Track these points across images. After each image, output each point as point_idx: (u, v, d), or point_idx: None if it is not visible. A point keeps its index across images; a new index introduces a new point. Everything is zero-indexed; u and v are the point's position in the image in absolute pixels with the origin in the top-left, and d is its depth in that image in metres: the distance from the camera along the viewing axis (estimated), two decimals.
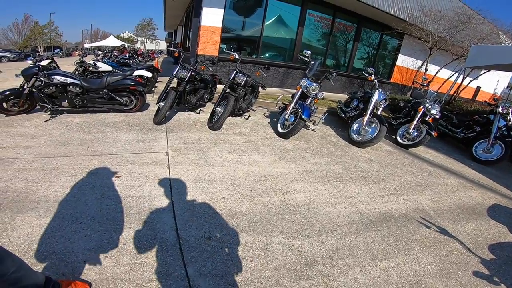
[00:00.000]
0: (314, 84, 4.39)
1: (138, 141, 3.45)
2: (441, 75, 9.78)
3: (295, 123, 4.15)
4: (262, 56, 9.09)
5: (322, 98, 4.87)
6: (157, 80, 7.34)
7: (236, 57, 4.61)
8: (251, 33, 8.89)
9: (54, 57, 6.42)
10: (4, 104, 3.91)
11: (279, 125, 4.50)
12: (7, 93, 3.91)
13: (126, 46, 19.08)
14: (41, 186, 2.26)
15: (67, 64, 9.96)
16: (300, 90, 4.42)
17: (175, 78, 4.41)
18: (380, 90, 4.69)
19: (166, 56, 28.88)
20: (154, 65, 7.97)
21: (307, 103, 4.47)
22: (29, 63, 5.29)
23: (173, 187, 2.49)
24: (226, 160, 3.20)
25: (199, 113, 4.89)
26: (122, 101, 4.43)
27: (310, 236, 2.11)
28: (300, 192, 2.73)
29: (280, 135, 4.36)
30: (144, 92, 4.70)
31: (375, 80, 4.74)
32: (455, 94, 9.17)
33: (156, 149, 3.26)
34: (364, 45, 11.11)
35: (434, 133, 4.66)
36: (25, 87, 4.01)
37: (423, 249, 2.20)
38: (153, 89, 6.05)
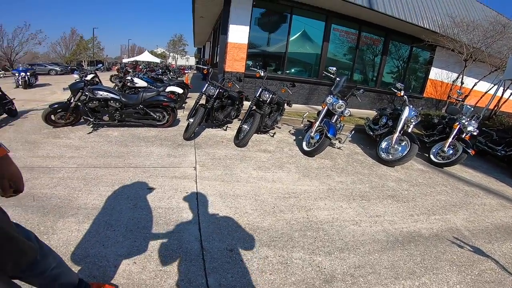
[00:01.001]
0: (340, 101, 4.36)
1: (169, 155, 3.66)
2: (479, 88, 9.24)
3: (321, 141, 4.13)
4: (287, 72, 9.23)
5: (349, 116, 4.80)
6: (187, 96, 7.72)
7: (262, 74, 4.74)
8: (276, 49, 9.11)
9: (96, 72, 7.03)
10: (52, 117, 4.35)
11: (304, 143, 4.51)
12: (56, 106, 4.35)
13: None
14: (82, 194, 2.48)
15: (107, 79, 10.82)
16: (326, 107, 4.42)
17: (204, 95, 4.63)
18: (411, 106, 4.53)
19: (195, 71, 30.17)
20: (184, 81, 8.42)
21: (333, 121, 4.44)
22: (76, 77, 5.85)
23: (199, 200, 2.60)
24: (251, 177, 3.27)
25: (226, 130, 5.06)
26: (155, 116, 4.73)
27: (332, 253, 2.09)
28: (324, 210, 2.72)
29: (305, 153, 4.36)
30: (175, 108, 4.99)
31: (405, 96, 4.62)
32: (495, 108, 8.59)
33: (185, 164, 3.43)
34: (393, 59, 10.87)
35: (471, 151, 4.39)
36: (71, 100, 4.43)
37: (453, 268, 2.08)
38: (183, 105, 6.38)
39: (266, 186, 3.06)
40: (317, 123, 4.35)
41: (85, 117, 4.38)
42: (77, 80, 5.17)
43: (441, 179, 4.17)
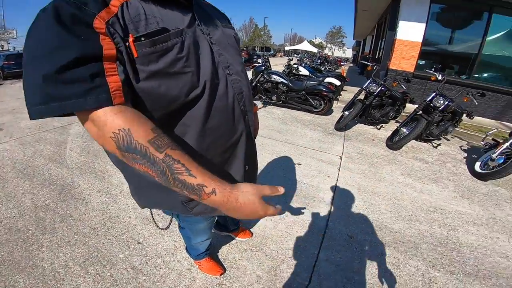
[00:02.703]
0: None
1: (319, 140, 4.06)
2: None
3: (505, 165, 3.30)
4: (476, 76, 7.42)
5: None
6: (343, 89, 7.82)
7: (439, 78, 4.15)
8: (462, 48, 7.42)
9: (268, 57, 8.31)
10: None
11: (478, 163, 3.71)
12: None
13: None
14: None
15: (273, 64, 12.35)
16: None
17: (363, 91, 4.66)
18: None
19: (351, 64, 29.25)
20: (341, 74, 8.50)
21: None
22: (259, 61, 7.21)
23: (338, 186, 2.85)
24: (395, 181, 3.15)
25: (379, 129, 4.91)
26: (313, 103, 5.24)
27: (454, 273, 1.87)
28: (472, 235, 2.31)
29: (476, 174, 3.59)
30: (332, 98, 5.30)
31: None
32: None
33: (332, 151, 3.73)
34: None
35: None
36: (253, 81, 5.58)
37: None
38: (338, 96, 6.58)
39: (410, 194, 2.89)
40: (507, 144, 3.46)
41: (259, 95, 5.45)
42: (259, 64, 6.37)
43: None
